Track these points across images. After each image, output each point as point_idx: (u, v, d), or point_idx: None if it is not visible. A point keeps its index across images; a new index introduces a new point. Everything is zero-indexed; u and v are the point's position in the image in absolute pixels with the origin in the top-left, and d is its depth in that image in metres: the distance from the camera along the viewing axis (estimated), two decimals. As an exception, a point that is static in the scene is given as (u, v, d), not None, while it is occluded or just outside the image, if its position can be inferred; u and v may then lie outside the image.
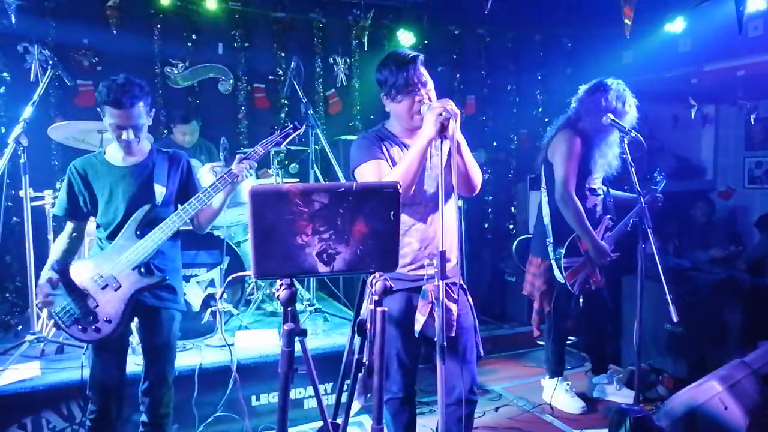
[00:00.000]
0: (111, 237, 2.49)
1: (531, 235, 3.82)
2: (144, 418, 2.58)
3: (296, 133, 2.77)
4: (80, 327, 2.42)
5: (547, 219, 3.48)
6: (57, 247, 2.55)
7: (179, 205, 2.58)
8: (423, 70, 2.24)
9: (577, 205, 3.30)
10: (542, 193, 3.54)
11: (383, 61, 2.31)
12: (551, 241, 3.44)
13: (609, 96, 3.27)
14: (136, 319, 2.61)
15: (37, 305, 2.52)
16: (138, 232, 2.44)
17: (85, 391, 2.56)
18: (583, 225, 3.31)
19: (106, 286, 2.42)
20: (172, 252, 2.59)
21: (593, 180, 3.44)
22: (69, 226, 2.57)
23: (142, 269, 2.44)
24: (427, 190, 2.30)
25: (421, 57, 2.25)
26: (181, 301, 2.64)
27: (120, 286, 2.42)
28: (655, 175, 3.69)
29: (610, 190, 3.61)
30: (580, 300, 3.51)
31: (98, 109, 2.42)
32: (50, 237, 3.54)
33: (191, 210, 2.47)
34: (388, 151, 2.30)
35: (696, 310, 3.69)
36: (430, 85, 2.25)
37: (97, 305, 2.41)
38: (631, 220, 3.48)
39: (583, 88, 3.44)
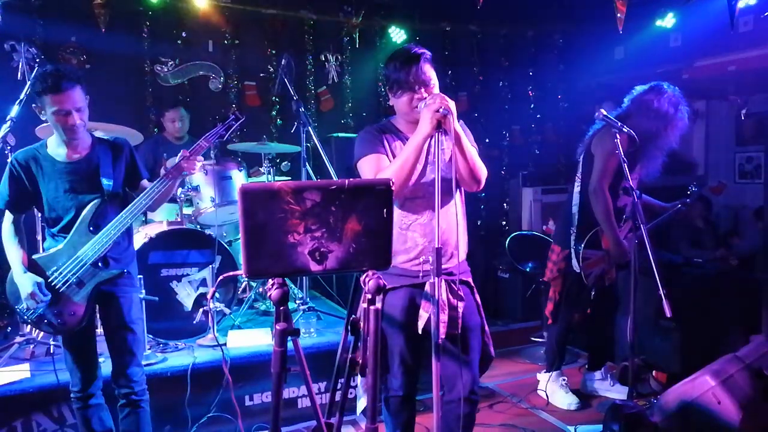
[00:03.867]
0: (63, 232, 2.51)
1: (525, 231, 3.81)
2: (121, 401, 2.59)
3: (238, 123, 2.85)
4: (46, 321, 2.47)
5: (575, 209, 3.48)
6: (12, 247, 2.50)
7: (127, 189, 2.64)
8: (427, 68, 2.23)
9: (608, 200, 3.31)
10: (576, 183, 3.53)
11: (390, 56, 2.32)
12: (575, 230, 3.46)
13: (663, 99, 3.26)
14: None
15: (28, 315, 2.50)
16: (91, 228, 2.48)
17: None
18: (609, 221, 3.31)
19: (67, 281, 2.45)
20: (125, 240, 2.62)
21: (630, 180, 3.43)
22: (9, 219, 2.53)
23: (100, 263, 2.49)
24: (430, 184, 2.27)
25: (427, 55, 2.25)
26: (137, 285, 2.70)
27: (80, 281, 2.47)
28: (691, 187, 3.73)
29: (643, 194, 3.61)
30: (592, 293, 3.52)
31: (34, 105, 2.41)
32: (39, 237, 3.49)
33: (142, 205, 2.50)
34: (390, 146, 2.30)
35: (689, 305, 3.70)
36: (434, 82, 2.24)
37: (61, 300, 2.45)
38: (663, 222, 3.50)
39: (638, 88, 3.40)
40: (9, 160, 2.50)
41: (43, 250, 2.56)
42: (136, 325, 2.61)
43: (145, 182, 2.71)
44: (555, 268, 3.57)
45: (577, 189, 3.51)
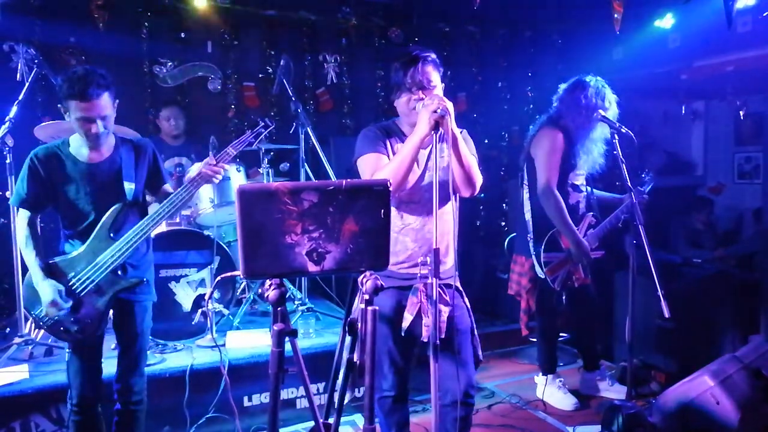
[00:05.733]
0: (81, 236, 2.44)
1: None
2: (117, 405, 2.56)
3: (267, 131, 2.78)
4: (63, 329, 2.41)
5: (528, 215, 3.49)
6: (29, 250, 2.41)
7: (147, 191, 2.59)
8: (428, 70, 2.23)
9: (558, 200, 3.30)
10: (524, 190, 3.53)
11: (396, 57, 2.32)
12: (532, 236, 3.45)
13: (588, 93, 3.29)
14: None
15: (44, 322, 2.43)
16: (111, 234, 2.41)
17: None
18: (564, 220, 3.31)
19: (86, 288, 2.40)
20: (143, 245, 2.56)
21: (576, 176, 3.45)
22: (24, 220, 2.43)
23: (119, 271, 2.44)
24: (426, 190, 2.29)
25: (430, 57, 2.25)
26: (152, 291, 2.64)
27: (99, 289, 2.41)
28: (643, 176, 3.70)
29: (595, 190, 3.61)
30: (563, 297, 3.51)
31: (59, 105, 2.33)
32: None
33: (164, 212, 2.43)
34: (391, 146, 2.31)
35: (687, 305, 3.70)
36: (435, 84, 2.24)
37: (78, 307, 2.40)
38: (623, 216, 3.49)
39: (563, 86, 3.46)
40: (29, 157, 2.40)
41: (65, 253, 2.47)
42: (145, 336, 2.59)
43: (167, 186, 2.63)
44: (524, 279, 3.54)
45: (526, 196, 3.51)
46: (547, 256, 3.39)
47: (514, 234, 5.27)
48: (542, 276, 3.41)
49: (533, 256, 3.43)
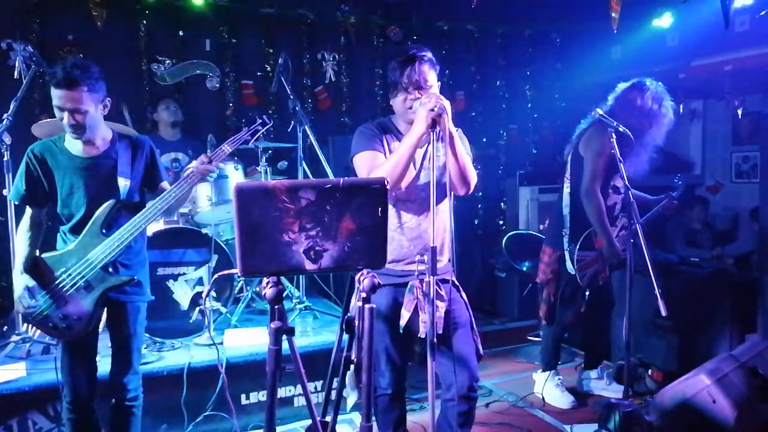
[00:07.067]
0: (74, 231, 2.43)
1: (521, 231, 3.81)
2: (113, 401, 2.56)
3: (264, 129, 2.75)
4: (51, 325, 2.39)
5: (566, 210, 3.46)
6: (21, 242, 2.43)
7: (145, 190, 2.57)
8: (425, 69, 2.23)
9: (600, 202, 3.29)
10: (566, 184, 3.50)
11: (394, 56, 2.32)
12: (567, 232, 3.44)
13: (645, 96, 3.25)
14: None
15: (20, 315, 2.44)
16: (104, 231, 2.39)
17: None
18: (602, 222, 3.30)
19: (75, 284, 2.38)
20: (137, 244, 2.54)
21: (618, 179, 3.43)
22: (28, 213, 2.46)
23: (110, 268, 2.42)
24: (422, 189, 2.29)
25: (426, 56, 2.25)
26: (147, 292, 2.61)
27: (89, 285, 2.39)
28: (676, 180, 3.70)
29: (632, 190, 3.60)
30: (586, 293, 3.52)
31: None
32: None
33: (157, 209, 2.41)
34: (388, 144, 2.31)
35: (684, 304, 3.71)
36: (431, 83, 2.24)
37: (67, 303, 2.38)
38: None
39: (621, 85, 3.40)
40: (26, 153, 2.40)
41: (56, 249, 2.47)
42: (138, 336, 2.57)
43: (164, 184, 2.61)
44: (548, 270, 3.55)
45: (567, 190, 3.49)
46: (580, 254, 3.39)
47: (513, 232, 5.29)
48: (573, 272, 3.41)
49: (567, 252, 3.43)
